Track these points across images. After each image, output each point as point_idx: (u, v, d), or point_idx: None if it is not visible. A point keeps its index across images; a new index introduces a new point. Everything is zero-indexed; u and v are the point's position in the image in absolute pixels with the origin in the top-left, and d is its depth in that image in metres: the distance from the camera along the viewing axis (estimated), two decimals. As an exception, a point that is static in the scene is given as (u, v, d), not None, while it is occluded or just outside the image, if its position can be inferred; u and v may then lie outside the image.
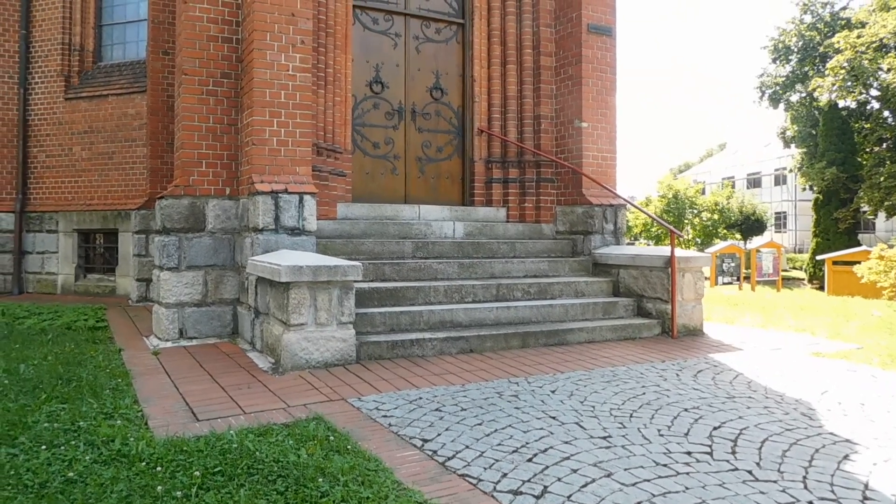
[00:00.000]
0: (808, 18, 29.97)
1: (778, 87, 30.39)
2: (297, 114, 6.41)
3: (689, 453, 3.28)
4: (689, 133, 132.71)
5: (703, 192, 33.60)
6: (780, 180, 48.78)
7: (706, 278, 7.15)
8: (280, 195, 6.13)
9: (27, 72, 11.53)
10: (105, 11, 11.91)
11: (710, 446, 3.39)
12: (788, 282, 21.65)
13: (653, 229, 27.87)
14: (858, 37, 23.96)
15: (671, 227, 6.97)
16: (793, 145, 31.88)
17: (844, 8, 29.64)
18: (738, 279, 15.88)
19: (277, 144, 6.33)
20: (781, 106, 31.04)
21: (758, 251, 16.97)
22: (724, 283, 15.52)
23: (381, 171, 8.05)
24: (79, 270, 10.98)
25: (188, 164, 6.63)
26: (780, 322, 8.10)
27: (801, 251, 42.83)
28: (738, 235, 33.50)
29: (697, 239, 27.82)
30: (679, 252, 6.77)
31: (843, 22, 28.53)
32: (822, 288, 18.51)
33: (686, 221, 28.10)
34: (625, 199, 7.97)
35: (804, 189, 29.85)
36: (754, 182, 51.66)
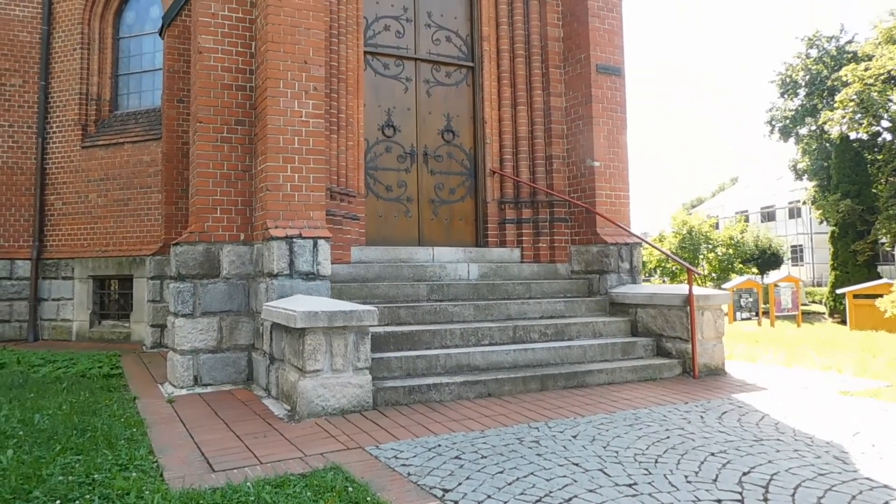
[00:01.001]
0: (814, 53, 30.19)
1: (787, 121, 30.48)
2: (310, 159, 6.45)
3: (718, 501, 3.17)
4: (701, 168, 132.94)
5: (717, 227, 33.42)
6: (794, 213, 48.57)
7: (724, 314, 7.03)
8: (294, 240, 6.14)
9: (45, 121, 11.76)
10: (122, 62, 12.19)
11: (740, 493, 3.27)
12: (808, 316, 21.35)
13: (668, 265, 27.69)
14: (866, 69, 24.06)
15: (688, 266, 6.90)
16: (805, 178, 31.80)
17: (850, 42, 29.85)
18: (757, 314, 15.68)
19: (291, 190, 6.36)
20: (792, 139, 31.09)
21: (776, 286, 16.79)
22: (742, 319, 15.32)
23: (394, 214, 8.07)
24: (94, 317, 11.00)
25: (203, 210, 6.66)
26: (805, 359, 7.94)
27: (819, 284, 42.33)
28: (754, 270, 33.17)
29: (714, 274, 27.57)
30: (697, 290, 6.68)
31: (849, 55, 28.70)
32: (843, 322, 18.23)
33: (701, 257, 27.90)
34: (639, 238, 7.92)
35: (820, 222, 29.66)
36: (768, 215, 51.48)
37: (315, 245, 6.23)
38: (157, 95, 11.35)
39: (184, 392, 6.20)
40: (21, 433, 4.49)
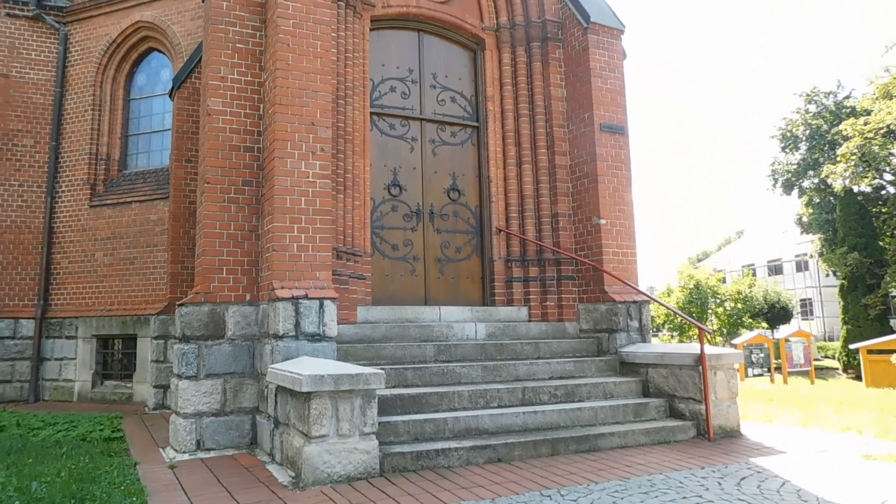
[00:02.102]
0: (812, 108, 30.60)
1: (790, 175, 30.69)
2: (317, 219, 6.46)
3: (744, 580, 3.01)
4: (705, 221, 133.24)
5: (724, 281, 33.20)
6: (801, 266, 48.39)
7: (737, 373, 6.89)
8: (300, 301, 6.09)
9: (55, 181, 11.88)
10: (132, 122, 12.39)
11: (766, 571, 3.11)
12: (822, 372, 20.99)
13: (676, 320, 27.44)
14: (865, 124, 24.31)
15: (699, 325, 6.80)
16: (811, 231, 31.81)
17: (848, 97, 30.28)
18: (769, 371, 15.42)
19: (298, 250, 6.34)
20: (795, 192, 31.24)
21: (787, 341, 16.56)
22: (754, 375, 15.07)
23: (400, 273, 8.03)
24: (96, 377, 10.88)
25: (209, 270, 6.64)
26: (822, 419, 7.74)
27: (830, 339, 41.81)
28: (764, 324, 32.79)
29: (723, 329, 27.27)
30: (709, 349, 6.56)
31: (847, 110, 29.07)
32: (858, 378, 17.91)
33: (710, 311, 27.66)
34: (648, 296, 7.84)
35: (828, 275, 29.46)
36: (775, 269, 51.30)
37: (321, 306, 6.17)
38: (166, 155, 11.48)
39: (186, 457, 6.05)
40: (17, 503, 4.35)
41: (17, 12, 12.17)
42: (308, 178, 6.52)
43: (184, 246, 9.54)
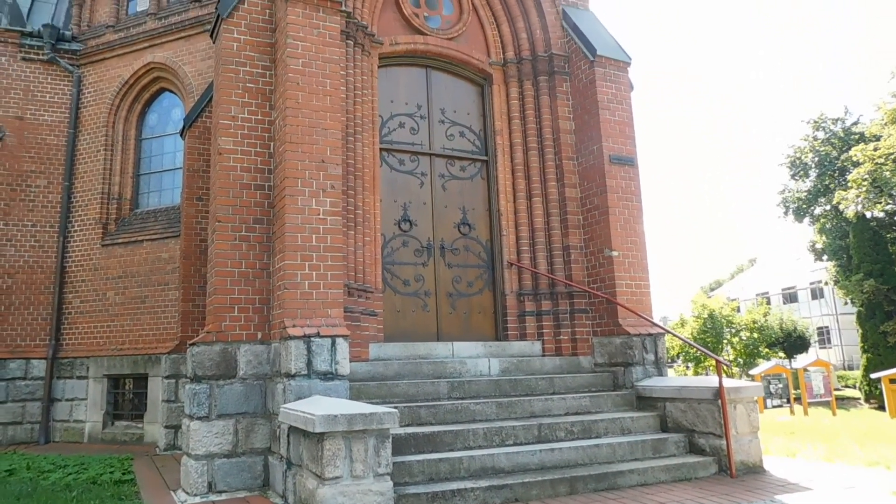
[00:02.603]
0: (820, 135, 30.55)
1: (801, 202, 30.50)
2: (328, 256, 6.44)
3: None
4: (717, 250, 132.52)
5: (738, 310, 32.72)
6: (817, 294, 47.77)
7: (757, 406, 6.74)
8: (312, 339, 6.04)
9: (67, 220, 11.96)
10: (143, 162, 12.51)
11: None
12: (843, 402, 20.54)
13: (691, 351, 27.06)
14: (875, 149, 24.21)
15: (717, 357, 6.69)
16: (824, 258, 31.46)
17: (856, 123, 30.21)
18: (789, 401, 15.11)
19: (309, 288, 6.31)
20: (807, 220, 31.01)
21: (805, 370, 16.26)
22: (773, 407, 14.79)
23: (412, 309, 7.97)
24: (107, 417, 10.80)
25: (220, 309, 6.61)
26: (847, 453, 7.54)
27: (850, 367, 41.07)
28: (781, 354, 32.19)
29: (739, 359, 26.83)
30: (727, 382, 6.44)
31: (856, 136, 28.99)
32: (881, 408, 17.52)
33: (725, 341, 27.26)
34: (663, 328, 7.74)
35: (845, 303, 29.05)
36: (790, 297, 50.69)
37: (333, 344, 6.12)
38: (177, 193, 11.55)
39: (197, 500, 5.96)
40: (26, 553, 4.27)
41: (32, 56, 12.40)
42: (319, 215, 6.52)
43: (195, 284, 9.53)
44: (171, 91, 12.39)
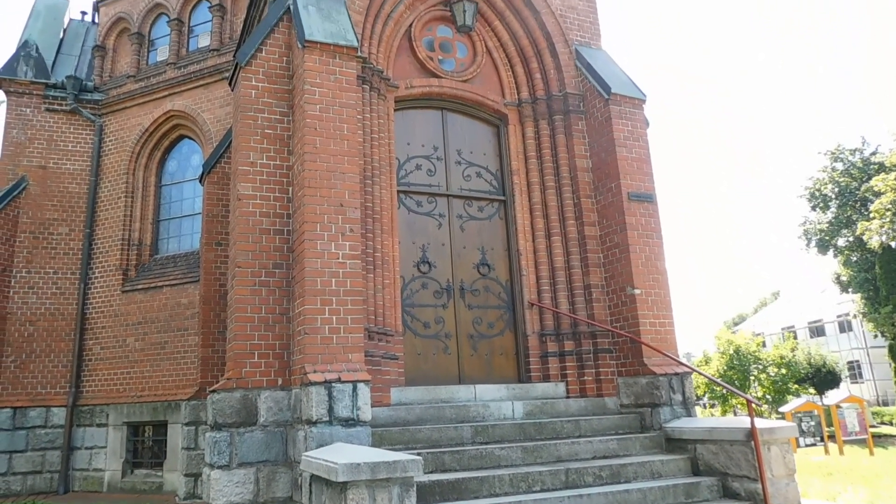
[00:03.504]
0: (839, 166, 30.32)
1: (823, 234, 30.09)
2: (347, 300, 6.40)
3: None
4: (739, 283, 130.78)
5: (764, 345, 31.92)
6: (844, 327, 46.69)
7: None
8: (333, 385, 5.96)
9: (88, 267, 12.07)
10: (163, 208, 12.66)
11: None
12: (880, 440, 19.81)
13: (717, 389, 26.42)
14: (896, 179, 23.97)
15: (748, 397, 6.50)
16: (850, 290, 30.87)
17: (874, 153, 30.01)
18: (822, 440, 14.63)
19: (329, 332, 6.26)
20: (830, 252, 30.55)
21: (838, 407, 15.76)
22: (807, 445, 14.32)
23: (432, 352, 7.86)
24: (126, 466, 10.72)
25: (240, 355, 6.57)
26: (892, 496, 7.24)
27: (884, 403, 39.92)
28: (811, 390, 31.23)
29: (768, 396, 26.10)
30: (760, 422, 6.24)
31: (875, 166, 28.75)
32: (921, 445, 16.92)
33: (752, 378, 26.58)
34: (689, 367, 7.57)
35: (875, 336, 28.35)
36: (817, 331, 49.61)
37: (355, 389, 6.03)
38: (196, 239, 11.64)
39: (217, 553, 5.82)
40: None
41: (55, 107, 12.69)
42: (338, 259, 6.49)
43: (214, 329, 9.52)
44: (190, 138, 12.59)
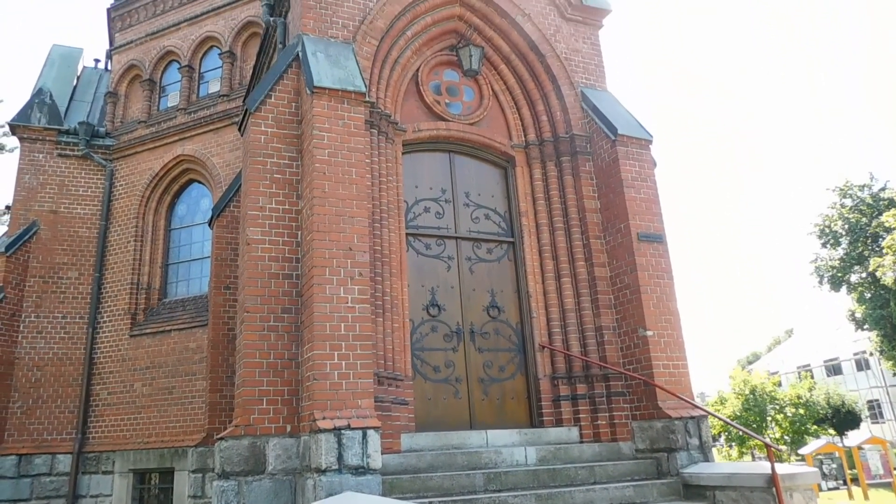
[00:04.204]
0: (848, 202, 30.26)
1: (835, 271, 29.85)
2: (357, 345, 6.33)
3: None
4: (751, 321, 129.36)
5: (780, 385, 31.22)
6: (862, 365, 45.80)
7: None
8: (343, 432, 5.86)
9: (97, 311, 12.08)
10: (172, 251, 12.72)
11: None
12: (905, 483, 19.35)
13: (733, 430, 25.87)
14: (907, 214, 23.85)
15: (767, 441, 6.35)
16: (865, 327, 30.44)
17: (883, 188, 29.98)
18: (845, 483, 14.22)
19: (339, 378, 6.18)
20: (843, 288, 30.25)
21: (860, 448, 15.36)
22: (829, 489, 13.94)
23: (443, 396, 7.74)
24: (132, 514, 10.54)
25: (249, 402, 6.48)
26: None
27: (908, 444, 38.95)
28: (830, 431, 30.46)
29: (786, 437, 25.52)
30: (781, 468, 6.08)
31: (885, 201, 28.68)
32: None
33: (769, 418, 26.05)
34: (705, 410, 7.41)
35: (894, 373, 27.82)
36: (834, 369, 48.68)
37: (364, 436, 5.93)
38: (205, 283, 11.64)
39: None
40: None
41: (67, 152, 12.86)
42: (347, 303, 6.45)
43: (222, 374, 9.44)
44: (200, 182, 12.70)
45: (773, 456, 6.20)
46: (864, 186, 30.63)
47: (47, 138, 12.80)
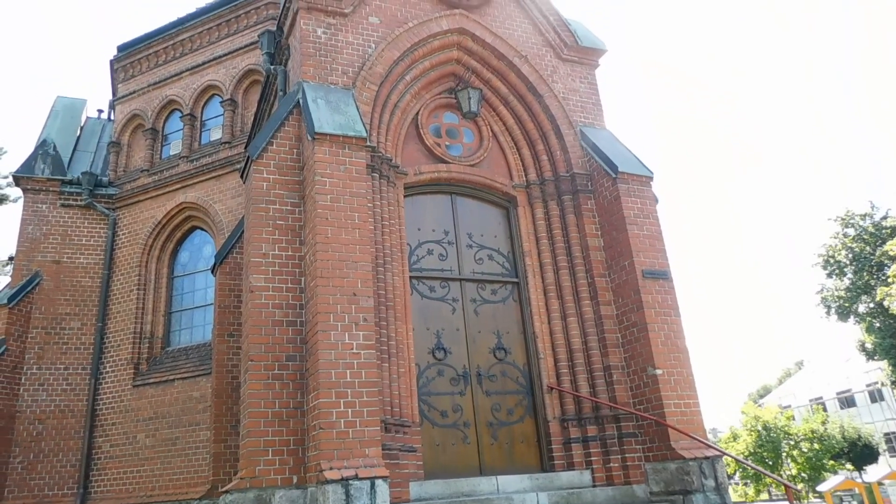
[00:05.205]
0: (851, 231, 30.24)
1: (842, 300, 29.64)
2: (363, 392, 6.25)
3: None
4: (760, 354, 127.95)
5: (793, 419, 30.59)
6: (875, 396, 45.13)
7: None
8: (350, 482, 5.73)
9: (99, 362, 11.96)
10: (175, 299, 12.65)
11: None
12: (931, 519, 18.85)
13: (748, 469, 25.33)
14: (911, 242, 23.81)
15: (786, 483, 6.20)
16: (876, 357, 30.08)
17: (885, 217, 29.98)
18: (870, 521, 13.88)
19: (345, 426, 6.09)
20: (851, 318, 30.01)
21: (880, 484, 15.02)
22: (851, 528, 13.60)
23: (451, 442, 7.60)
24: (134, 571, 10.28)
25: (254, 453, 6.36)
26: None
27: (931, 477, 38.03)
28: (848, 466, 29.72)
29: (803, 474, 24.90)
30: (799, 510, 5.92)
31: (888, 230, 28.66)
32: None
33: (784, 454, 25.49)
34: (719, 450, 7.27)
35: (909, 404, 27.31)
36: (847, 401, 47.94)
37: (373, 486, 5.80)
38: (208, 330, 11.55)
39: None
40: None
41: (71, 202, 12.91)
42: (352, 349, 6.38)
43: (227, 424, 9.28)
44: (202, 228, 12.71)
45: (793, 497, 6.04)
46: (865, 216, 30.66)
47: (51, 189, 12.87)
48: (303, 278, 7.07)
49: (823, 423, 28.10)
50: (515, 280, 8.70)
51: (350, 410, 6.15)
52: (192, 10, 14.02)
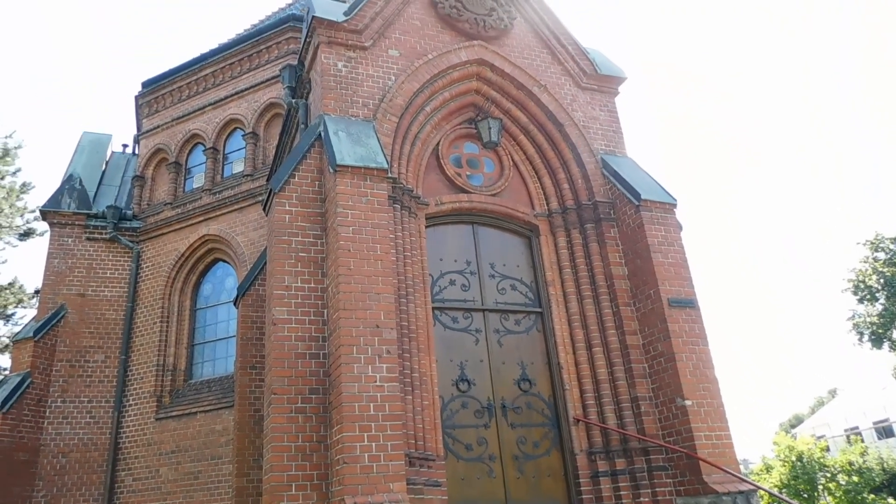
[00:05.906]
0: (881, 255, 29.61)
1: (875, 327, 28.86)
2: (387, 426, 6.16)
3: None
4: (791, 382, 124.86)
5: (828, 450, 29.53)
6: (916, 426, 43.66)
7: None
8: (374, 519, 5.61)
9: (123, 394, 11.99)
10: (197, 331, 12.68)
11: None
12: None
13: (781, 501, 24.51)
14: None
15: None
16: (916, 385, 29.19)
17: (917, 240, 29.32)
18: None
19: (369, 461, 5.99)
20: (885, 345, 29.18)
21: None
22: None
23: (476, 476, 7.45)
24: None
25: (278, 488, 6.28)
26: None
27: (974, 509, 36.60)
28: (889, 500, 28.60)
29: (843, 509, 23.89)
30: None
31: (920, 253, 28.04)
32: None
33: (821, 486, 24.56)
34: (753, 484, 7.06)
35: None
36: (885, 431, 46.31)
37: (397, 523, 5.68)
38: (231, 362, 11.54)
39: None
40: None
41: (95, 236, 13.07)
42: (375, 382, 6.31)
43: (249, 458, 9.20)
44: (225, 261, 12.78)
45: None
46: (895, 239, 30.02)
47: (76, 223, 13.05)
48: (325, 310, 7.04)
49: (862, 454, 27.11)
50: (539, 310, 8.61)
51: (374, 444, 6.06)
52: (214, 45, 14.31)
